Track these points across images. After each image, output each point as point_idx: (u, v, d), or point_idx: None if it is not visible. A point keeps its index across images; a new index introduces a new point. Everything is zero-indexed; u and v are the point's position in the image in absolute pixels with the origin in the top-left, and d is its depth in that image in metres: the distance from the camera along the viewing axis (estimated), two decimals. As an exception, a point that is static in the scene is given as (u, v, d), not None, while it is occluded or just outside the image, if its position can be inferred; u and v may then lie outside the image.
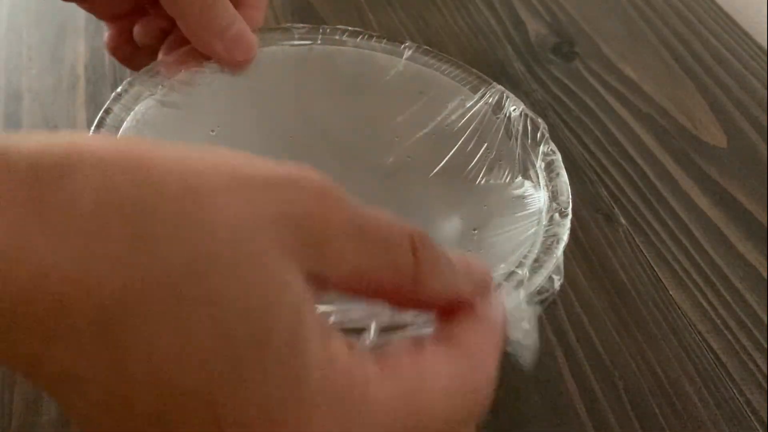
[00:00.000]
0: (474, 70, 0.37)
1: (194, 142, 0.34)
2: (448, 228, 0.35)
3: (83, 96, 0.48)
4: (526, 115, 0.35)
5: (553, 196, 0.32)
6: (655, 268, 0.42)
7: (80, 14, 0.55)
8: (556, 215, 0.31)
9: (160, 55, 0.34)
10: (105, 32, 0.37)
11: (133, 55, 0.36)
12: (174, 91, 0.33)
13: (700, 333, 0.40)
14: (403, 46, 0.37)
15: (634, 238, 0.44)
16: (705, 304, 0.41)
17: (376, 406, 0.17)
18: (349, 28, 0.37)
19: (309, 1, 0.59)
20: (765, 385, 0.37)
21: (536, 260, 0.29)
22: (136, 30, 0.35)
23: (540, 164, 0.33)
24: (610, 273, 0.42)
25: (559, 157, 0.33)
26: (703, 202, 0.47)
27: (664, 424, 0.35)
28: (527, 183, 0.33)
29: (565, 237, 0.30)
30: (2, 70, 0.50)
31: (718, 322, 0.40)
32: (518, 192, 0.33)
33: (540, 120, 0.34)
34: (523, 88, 0.53)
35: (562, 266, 0.29)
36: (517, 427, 0.35)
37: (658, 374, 0.37)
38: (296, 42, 0.36)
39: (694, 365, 0.38)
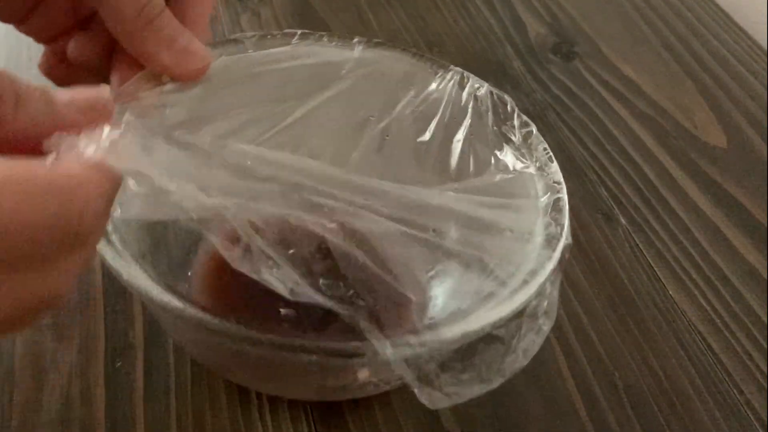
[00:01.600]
0: (429, 56, 0.36)
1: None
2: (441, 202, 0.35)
3: (83, 96, 0.48)
4: (492, 93, 0.35)
5: (540, 168, 0.32)
6: (655, 268, 0.42)
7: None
8: (551, 183, 0.31)
9: (113, 82, 0.31)
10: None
11: (69, 76, 0.33)
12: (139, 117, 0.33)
13: (700, 333, 0.40)
14: (353, 41, 0.37)
15: (634, 238, 0.44)
16: (705, 304, 0.41)
17: None
18: (298, 31, 0.36)
19: (309, 2, 0.59)
20: (765, 385, 0.37)
21: (548, 226, 0.29)
22: (70, 47, 0.32)
23: (518, 138, 0.33)
24: (610, 273, 0.42)
25: (534, 128, 0.33)
26: (703, 202, 0.47)
27: (664, 424, 0.35)
28: (509, 157, 0.33)
29: (566, 200, 0.30)
30: (2, 70, 0.50)
31: (718, 322, 0.40)
32: (504, 166, 0.33)
33: (506, 96, 0.34)
34: (523, 88, 0.53)
35: (569, 231, 0.29)
36: (517, 427, 0.35)
37: (658, 374, 0.37)
38: (250, 52, 0.36)
39: (694, 365, 0.38)
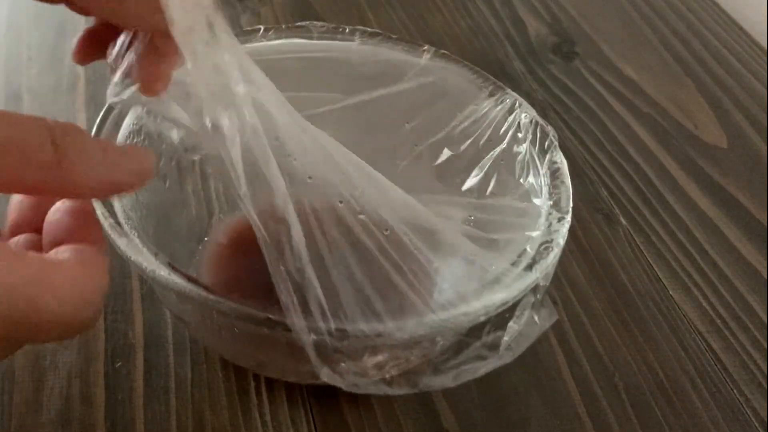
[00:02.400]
0: (490, 76, 0.37)
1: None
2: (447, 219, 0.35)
3: (83, 96, 0.48)
4: (537, 123, 0.34)
5: (555, 204, 0.32)
6: (655, 268, 0.42)
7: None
8: (555, 222, 0.31)
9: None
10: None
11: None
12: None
13: (700, 333, 0.40)
14: (422, 49, 0.37)
15: (634, 238, 0.44)
16: (705, 304, 0.41)
17: None
18: (369, 29, 0.37)
19: (309, 1, 0.59)
20: (765, 385, 0.37)
21: (529, 263, 0.29)
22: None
23: (545, 171, 0.33)
24: (610, 273, 0.42)
25: (565, 166, 0.33)
26: (703, 202, 0.47)
27: (664, 424, 0.35)
28: (530, 189, 0.33)
29: (560, 242, 0.30)
30: (2, 70, 0.50)
31: (718, 322, 0.40)
32: (520, 196, 0.33)
33: (550, 128, 0.34)
34: (523, 88, 0.53)
35: (552, 273, 0.29)
36: (517, 427, 0.35)
37: (658, 374, 0.37)
38: (315, 41, 0.37)
39: (694, 365, 0.38)
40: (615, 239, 0.44)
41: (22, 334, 0.21)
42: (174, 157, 0.36)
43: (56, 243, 0.25)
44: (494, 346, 0.27)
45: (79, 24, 0.55)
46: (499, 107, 0.36)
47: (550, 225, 0.31)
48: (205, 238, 0.38)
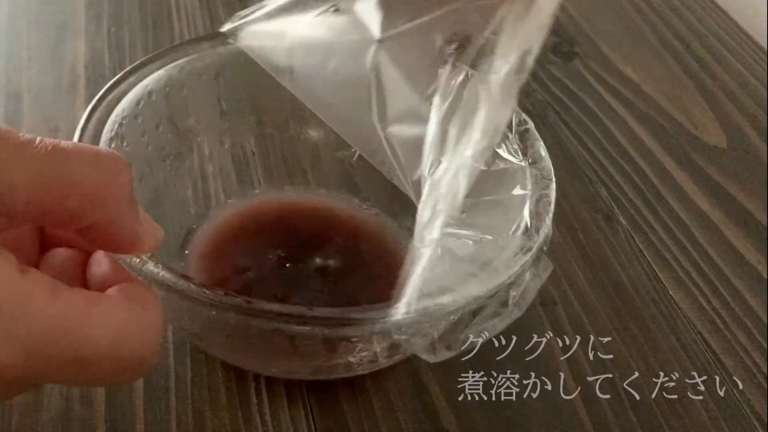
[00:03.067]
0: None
1: None
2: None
3: (83, 96, 0.48)
4: None
5: (533, 163, 0.32)
6: (655, 268, 0.42)
7: (80, 14, 0.55)
8: (540, 179, 0.31)
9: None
10: None
11: None
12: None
13: (700, 333, 0.40)
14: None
15: (634, 238, 0.44)
16: (705, 304, 0.41)
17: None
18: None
19: (309, 1, 0.59)
20: (765, 385, 0.37)
21: (526, 227, 0.30)
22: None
23: (513, 134, 0.33)
24: (610, 273, 0.42)
25: (532, 125, 0.33)
26: (703, 202, 0.47)
27: (664, 425, 0.35)
28: (504, 153, 0.33)
29: (552, 198, 0.30)
30: (2, 70, 0.50)
31: (718, 322, 0.40)
32: (496, 163, 0.33)
33: None
34: (523, 88, 0.53)
35: (551, 229, 0.30)
36: (517, 427, 0.35)
37: (658, 374, 0.37)
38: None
39: (694, 365, 0.38)
40: (615, 239, 0.44)
41: (72, 369, 0.20)
42: (152, 163, 0.36)
43: (104, 287, 0.24)
44: (504, 303, 0.28)
45: (80, 24, 0.55)
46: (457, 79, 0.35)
47: (536, 183, 0.31)
48: (186, 251, 0.38)
